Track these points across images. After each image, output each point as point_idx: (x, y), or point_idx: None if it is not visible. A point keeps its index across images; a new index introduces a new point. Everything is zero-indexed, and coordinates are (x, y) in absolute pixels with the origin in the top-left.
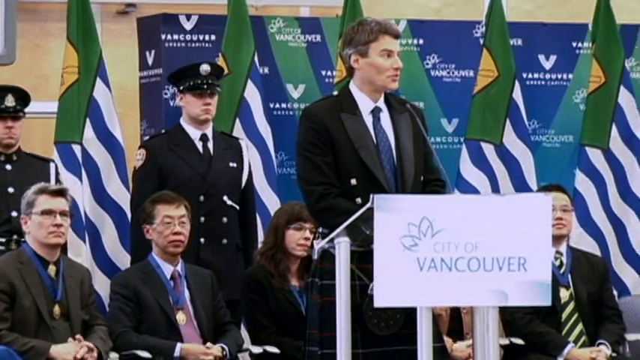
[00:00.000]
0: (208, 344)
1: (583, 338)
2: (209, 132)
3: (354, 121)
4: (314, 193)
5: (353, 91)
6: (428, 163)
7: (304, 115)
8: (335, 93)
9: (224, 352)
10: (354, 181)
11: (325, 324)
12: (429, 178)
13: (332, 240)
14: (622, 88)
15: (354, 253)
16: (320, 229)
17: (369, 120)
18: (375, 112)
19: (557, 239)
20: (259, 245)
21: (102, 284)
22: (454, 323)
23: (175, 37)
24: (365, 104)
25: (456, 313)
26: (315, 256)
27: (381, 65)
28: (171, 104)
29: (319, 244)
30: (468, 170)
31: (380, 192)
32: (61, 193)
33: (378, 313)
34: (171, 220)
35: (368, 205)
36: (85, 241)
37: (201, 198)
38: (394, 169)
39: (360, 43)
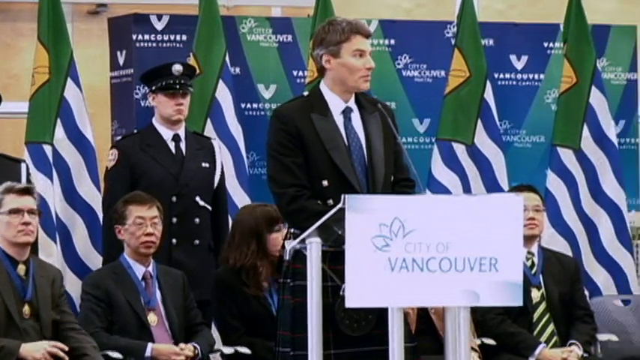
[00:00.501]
0: (181, 345)
1: (554, 339)
2: (181, 132)
3: (325, 121)
4: (285, 195)
5: (324, 92)
6: (398, 162)
7: (275, 116)
8: (305, 93)
9: (196, 352)
10: (325, 183)
11: (297, 325)
12: (399, 177)
13: (304, 240)
14: (593, 88)
15: (325, 253)
16: (291, 230)
17: (340, 120)
18: (346, 113)
19: (528, 239)
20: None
21: (73, 285)
22: (421, 322)
23: (146, 37)
24: (336, 105)
25: (423, 312)
26: (287, 257)
27: (354, 65)
28: (143, 104)
29: (291, 245)
30: (440, 170)
31: (351, 193)
32: (28, 191)
33: (350, 313)
34: (143, 221)
35: (339, 205)
36: (56, 242)
37: (174, 198)
38: (365, 170)
39: (331, 44)
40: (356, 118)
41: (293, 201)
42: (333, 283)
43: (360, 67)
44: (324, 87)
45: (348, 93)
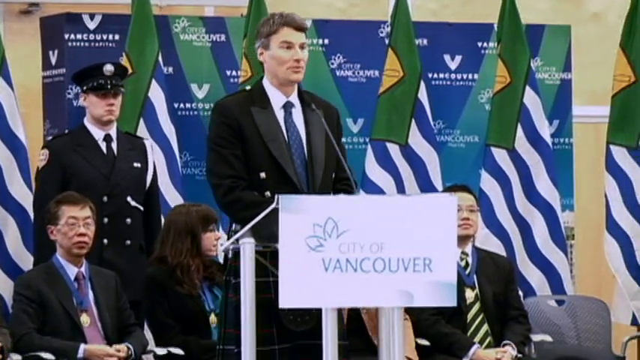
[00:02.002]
0: (116, 346)
1: (488, 339)
2: (113, 132)
3: (265, 114)
4: (222, 187)
5: (265, 86)
6: (341, 163)
7: (215, 109)
8: (247, 87)
9: (129, 352)
10: (263, 175)
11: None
12: (342, 175)
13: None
14: (527, 88)
15: (266, 251)
16: (233, 227)
17: (280, 114)
18: (287, 107)
19: (462, 239)
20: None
21: (5, 286)
22: (352, 323)
23: (79, 36)
24: (276, 99)
25: (354, 312)
26: (230, 255)
27: (280, 57)
28: (75, 104)
29: (226, 244)
30: (374, 170)
31: (289, 186)
32: None
33: (294, 309)
34: (76, 222)
35: (273, 205)
36: None
37: (105, 198)
38: (305, 164)
39: (263, 36)
40: (297, 113)
41: (229, 192)
42: (276, 279)
43: (287, 58)
44: (265, 81)
45: (285, 86)
